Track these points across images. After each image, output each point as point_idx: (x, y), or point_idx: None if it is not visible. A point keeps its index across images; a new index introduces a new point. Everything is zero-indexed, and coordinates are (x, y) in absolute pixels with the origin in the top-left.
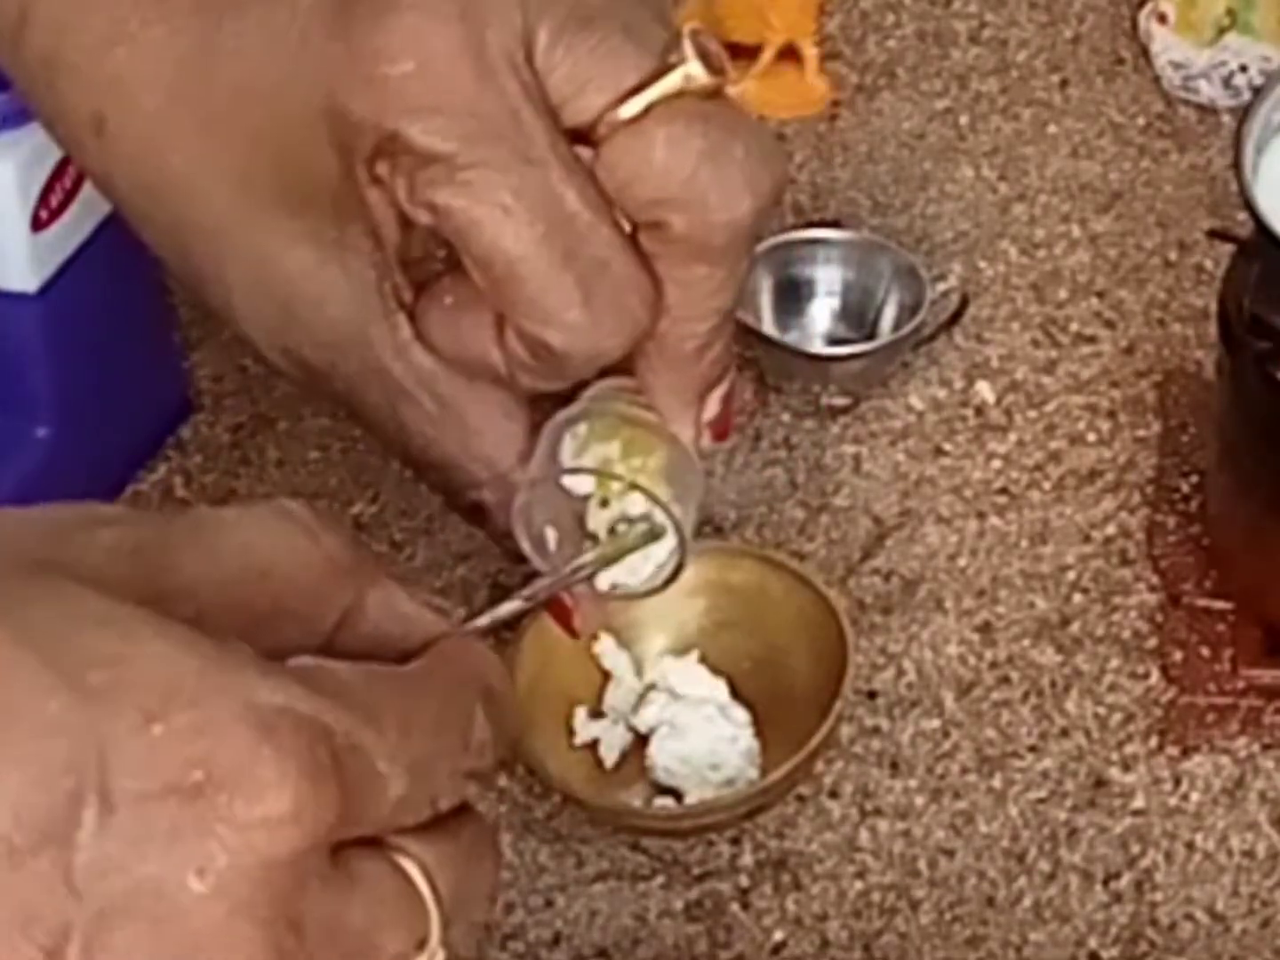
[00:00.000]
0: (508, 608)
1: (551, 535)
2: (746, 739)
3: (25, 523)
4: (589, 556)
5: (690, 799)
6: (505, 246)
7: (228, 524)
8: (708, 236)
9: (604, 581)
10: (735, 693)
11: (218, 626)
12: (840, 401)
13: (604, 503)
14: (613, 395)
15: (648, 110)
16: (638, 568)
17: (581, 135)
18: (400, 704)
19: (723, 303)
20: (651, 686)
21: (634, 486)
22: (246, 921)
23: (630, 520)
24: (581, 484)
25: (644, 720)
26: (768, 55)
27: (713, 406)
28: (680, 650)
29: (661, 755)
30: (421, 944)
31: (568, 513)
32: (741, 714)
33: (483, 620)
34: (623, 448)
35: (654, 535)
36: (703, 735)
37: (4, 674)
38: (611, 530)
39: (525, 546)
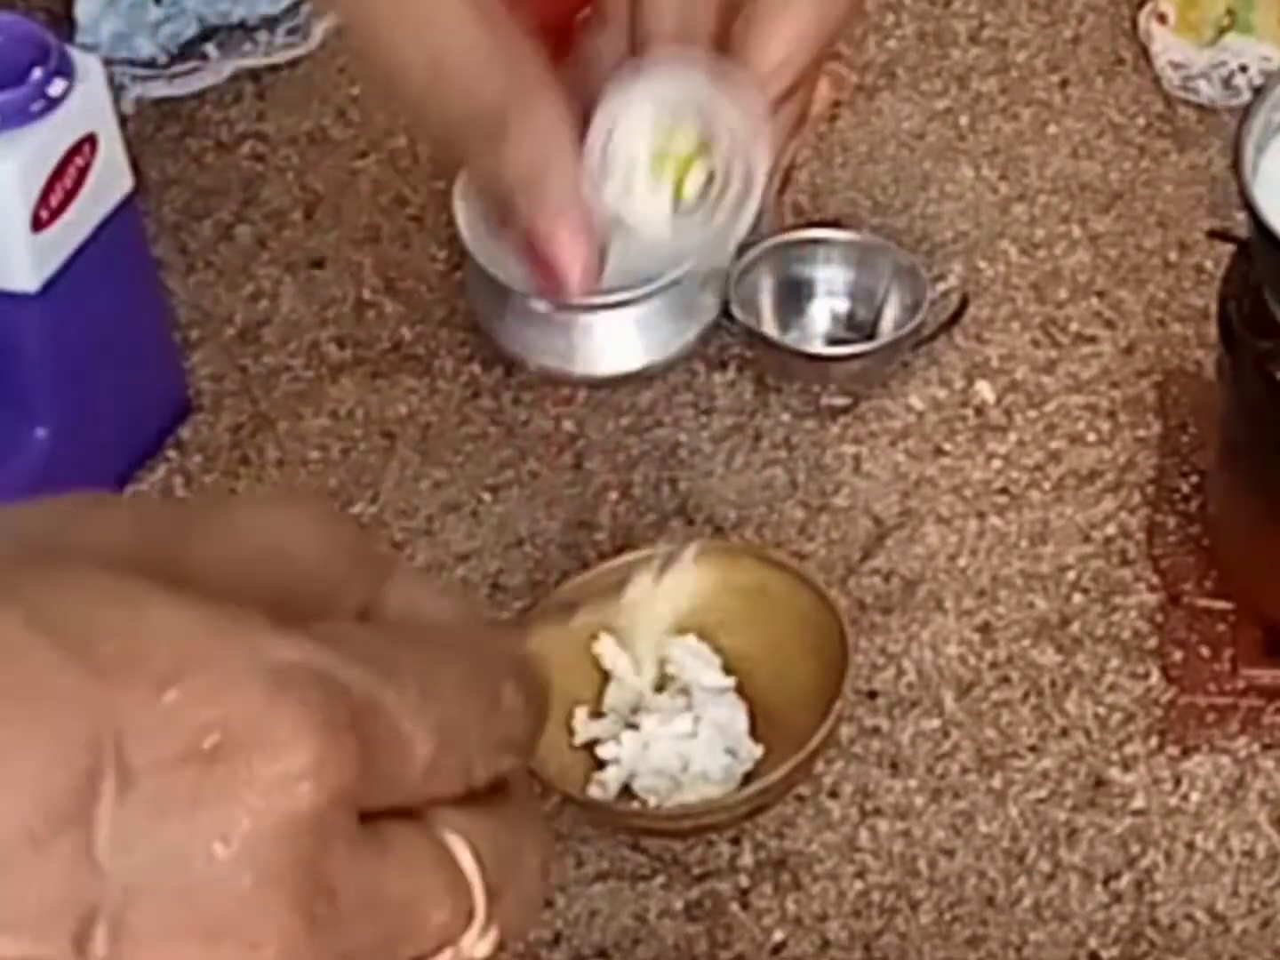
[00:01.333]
0: None
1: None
2: (746, 739)
3: (30, 512)
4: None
5: (690, 799)
6: None
7: (241, 509)
8: None
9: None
10: (735, 693)
11: None
12: (840, 401)
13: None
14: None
15: None
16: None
17: None
18: (424, 663)
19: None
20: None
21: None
22: (274, 887)
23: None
24: (637, 146)
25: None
26: None
27: (787, 155)
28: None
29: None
30: (469, 917)
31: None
32: (741, 714)
33: None
34: (697, 146)
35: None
36: (696, 737)
37: (16, 656)
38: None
39: (599, 179)
